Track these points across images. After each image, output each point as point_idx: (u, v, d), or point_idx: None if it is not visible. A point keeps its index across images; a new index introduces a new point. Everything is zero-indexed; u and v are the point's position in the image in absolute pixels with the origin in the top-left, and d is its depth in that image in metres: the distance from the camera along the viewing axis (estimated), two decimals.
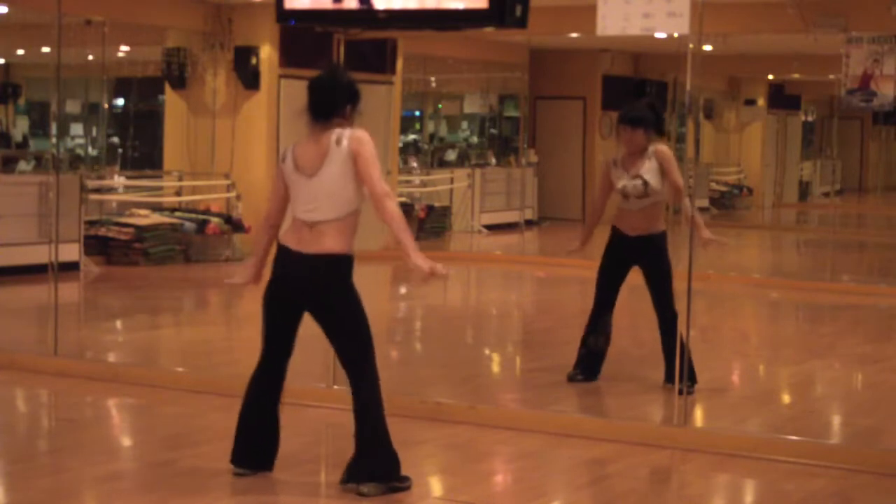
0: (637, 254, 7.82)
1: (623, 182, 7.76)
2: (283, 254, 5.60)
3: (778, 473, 6.19)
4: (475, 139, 21.57)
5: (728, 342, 10.40)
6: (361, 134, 5.51)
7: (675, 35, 6.75)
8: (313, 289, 5.54)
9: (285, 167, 5.62)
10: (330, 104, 5.55)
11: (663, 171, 7.70)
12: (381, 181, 5.47)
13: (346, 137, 5.48)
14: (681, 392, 6.92)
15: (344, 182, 5.48)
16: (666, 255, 7.81)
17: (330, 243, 5.50)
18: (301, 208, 5.56)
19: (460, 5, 6.08)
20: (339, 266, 5.53)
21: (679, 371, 7.00)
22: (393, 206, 5.41)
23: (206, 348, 9.46)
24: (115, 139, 17.99)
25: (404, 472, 5.62)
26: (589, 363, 8.01)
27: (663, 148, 7.82)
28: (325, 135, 5.53)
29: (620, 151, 7.89)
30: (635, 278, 7.98)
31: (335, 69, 5.74)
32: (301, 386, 7.04)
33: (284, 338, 5.70)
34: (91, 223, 13.46)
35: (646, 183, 7.68)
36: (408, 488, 5.60)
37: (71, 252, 12.18)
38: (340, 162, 5.46)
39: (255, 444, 5.76)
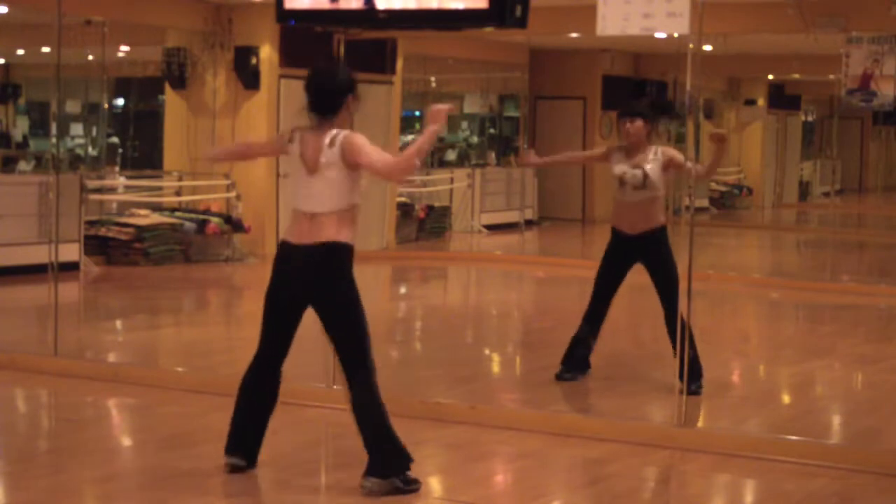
0: (638, 252, 7.78)
1: (623, 168, 7.74)
2: (284, 249, 5.63)
3: (778, 473, 6.19)
4: (475, 139, 21.56)
5: (728, 342, 10.39)
6: (350, 134, 5.55)
7: (675, 35, 6.75)
8: (313, 277, 5.55)
9: (291, 151, 5.64)
10: (328, 100, 5.59)
11: (666, 168, 7.69)
12: (381, 160, 5.51)
13: (338, 140, 5.52)
14: (681, 392, 6.92)
15: (339, 181, 5.52)
16: (667, 247, 7.75)
17: (329, 232, 5.52)
18: (300, 200, 5.61)
19: (460, 5, 6.09)
20: (338, 254, 5.54)
21: (679, 371, 7.00)
22: (403, 163, 5.49)
23: (206, 348, 9.45)
24: (115, 139, 17.99)
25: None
26: (576, 359, 7.97)
27: (669, 148, 7.85)
28: (325, 132, 5.57)
29: (624, 143, 7.87)
30: (637, 278, 7.98)
31: (331, 65, 5.74)
32: (301, 386, 7.04)
33: (282, 336, 5.69)
34: (91, 223, 13.45)
35: (646, 175, 7.65)
36: (415, 490, 5.58)
37: (71, 252, 12.18)
38: (334, 163, 5.51)
39: (247, 438, 5.75)
